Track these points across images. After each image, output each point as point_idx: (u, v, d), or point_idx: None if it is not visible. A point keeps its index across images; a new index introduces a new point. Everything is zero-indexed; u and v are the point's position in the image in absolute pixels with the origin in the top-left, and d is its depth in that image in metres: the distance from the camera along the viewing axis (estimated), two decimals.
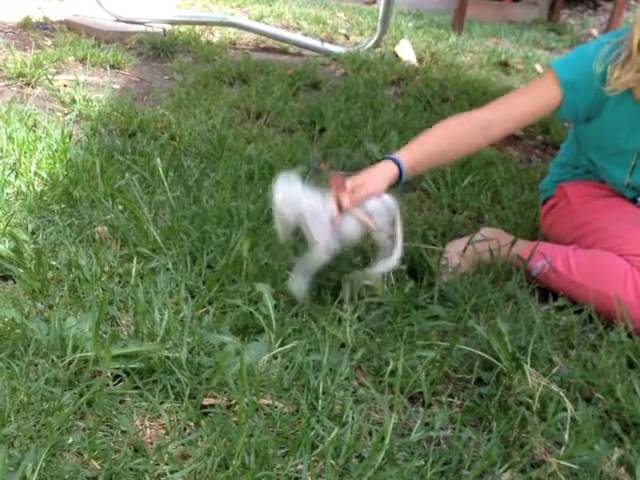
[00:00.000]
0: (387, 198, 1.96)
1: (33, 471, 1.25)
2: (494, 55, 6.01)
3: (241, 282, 1.99)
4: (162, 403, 1.54)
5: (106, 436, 1.42)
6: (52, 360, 1.58)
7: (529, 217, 2.71)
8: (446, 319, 1.98)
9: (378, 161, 3.12)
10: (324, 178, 2.32)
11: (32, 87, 3.73)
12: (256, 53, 5.10)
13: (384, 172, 1.98)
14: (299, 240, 1.98)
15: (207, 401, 1.56)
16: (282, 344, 1.77)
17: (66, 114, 3.37)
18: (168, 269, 2.06)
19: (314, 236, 1.88)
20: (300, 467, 1.40)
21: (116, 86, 4.01)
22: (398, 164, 2.00)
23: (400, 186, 2.05)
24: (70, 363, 1.58)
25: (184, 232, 2.21)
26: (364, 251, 2.14)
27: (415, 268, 2.22)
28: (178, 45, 4.94)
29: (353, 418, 1.55)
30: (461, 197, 2.86)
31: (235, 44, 5.43)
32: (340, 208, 1.88)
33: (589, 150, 2.33)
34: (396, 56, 5.28)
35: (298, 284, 1.94)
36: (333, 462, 1.41)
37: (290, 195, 1.88)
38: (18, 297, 1.84)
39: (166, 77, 4.37)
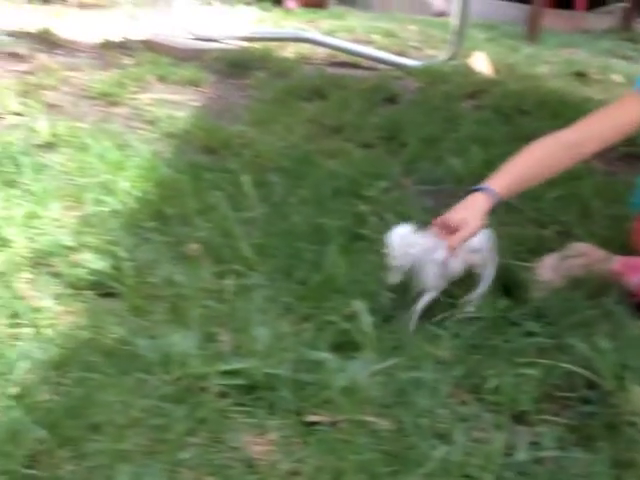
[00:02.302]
0: (486, 233, 2.04)
1: None
2: (570, 65, 5.94)
3: (336, 299, 2.00)
4: (268, 420, 1.55)
5: (217, 452, 1.44)
6: (159, 376, 1.61)
7: (620, 231, 2.66)
8: (543, 336, 1.96)
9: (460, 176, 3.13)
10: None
11: (116, 106, 3.82)
12: (330, 68, 5.14)
13: (481, 206, 2.00)
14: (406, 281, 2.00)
15: (311, 418, 1.57)
16: (381, 361, 1.77)
17: (150, 132, 3.44)
18: (262, 286, 2.08)
19: (428, 279, 1.97)
20: None
21: (196, 103, 4.08)
22: (491, 195, 2.01)
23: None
24: (176, 379, 1.61)
25: (276, 249, 2.24)
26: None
27: (507, 284, 2.20)
28: (254, 61, 4.99)
29: (457, 437, 1.54)
30: (548, 211, 2.83)
31: (309, 59, 5.47)
32: (451, 249, 1.93)
33: None
34: (471, 68, 5.25)
35: (410, 322, 1.97)
36: None
37: (405, 239, 1.93)
38: (122, 314, 1.88)
39: (243, 94, 4.43)
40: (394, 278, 1.96)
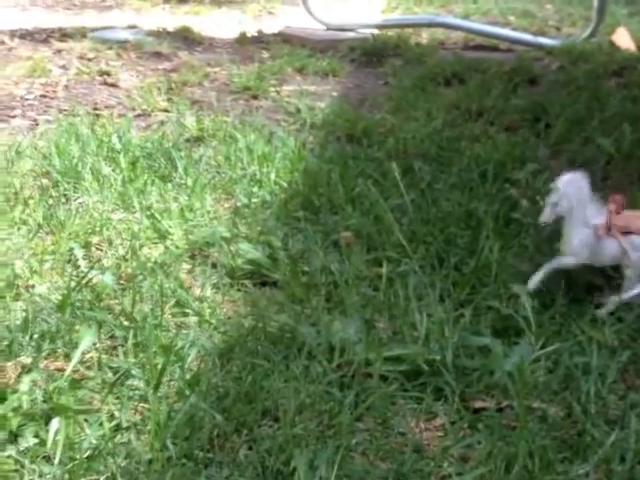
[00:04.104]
0: None
1: (328, 470, 1.30)
2: None
3: (492, 284, 1.98)
4: (434, 405, 1.55)
5: (386, 437, 1.45)
6: (323, 363, 1.63)
7: None
8: None
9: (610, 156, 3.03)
10: None
11: (258, 99, 3.89)
12: (466, 52, 5.06)
13: None
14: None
15: (478, 404, 1.56)
16: (543, 346, 1.73)
17: (292, 123, 3.48)
18: (416, 272, 2.08)
19: (571, 236, 1.90)
20: (581, 472, 1.37)
21: (334, 93, 4.10)
22: None
23: None
24: (339, 366, 1.63)
25: (428, 235, 2.23)
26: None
27: None
28: (388, 49, 4.98)
29: (630, 422, 1.50)
30: None
31: (444, 44, 5.41)
32: (609, 227, 1.87)
33: None
34: (613, 45, 5.07)
35: (534, 278, 1.94)
36: (618, 468, 1.37)
37: (574, 186, 1.89)
38: (281, 302, 1.92)
39: (380, 81, 4.43)
40: (544, 217, 1.92)
